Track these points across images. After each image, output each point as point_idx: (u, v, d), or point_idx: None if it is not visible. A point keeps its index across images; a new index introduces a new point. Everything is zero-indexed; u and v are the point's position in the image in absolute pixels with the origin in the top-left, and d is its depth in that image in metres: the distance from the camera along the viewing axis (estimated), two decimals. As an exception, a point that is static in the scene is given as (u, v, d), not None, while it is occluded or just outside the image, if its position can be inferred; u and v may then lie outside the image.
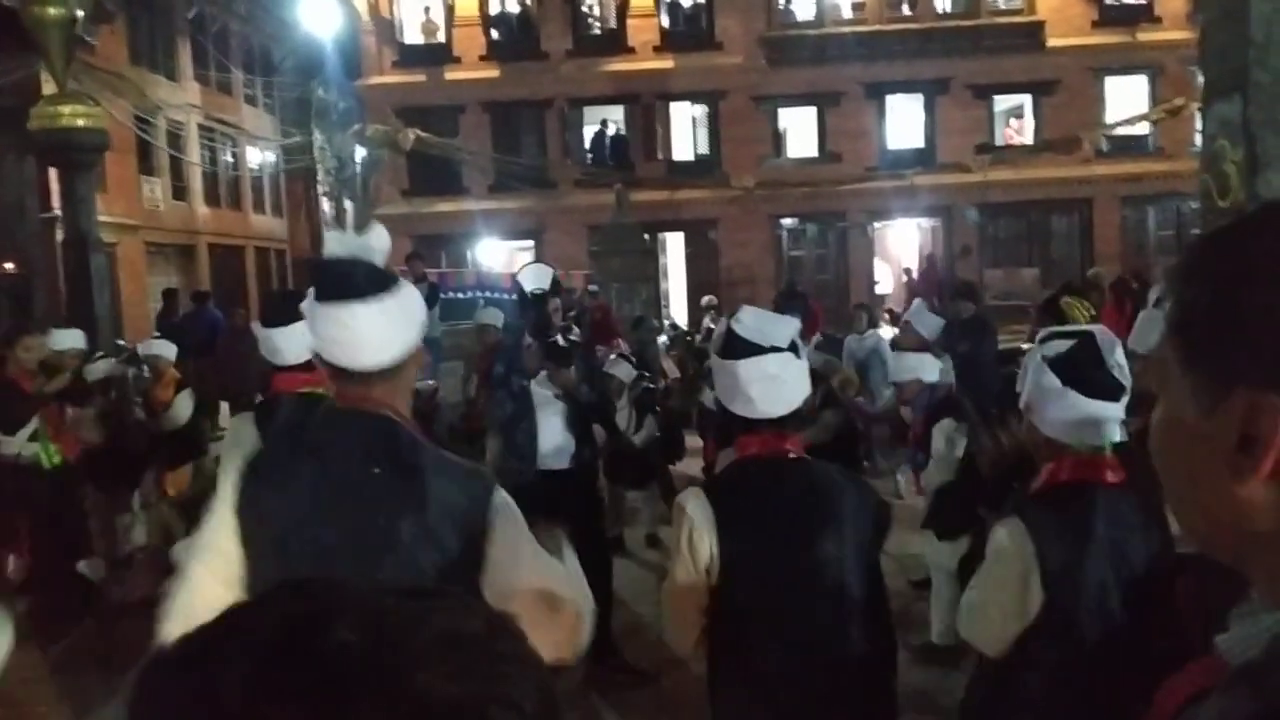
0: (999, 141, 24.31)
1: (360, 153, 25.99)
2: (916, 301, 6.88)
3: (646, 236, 19.73)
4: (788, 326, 2.53)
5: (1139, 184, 22.98)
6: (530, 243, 24.88)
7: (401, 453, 2.00)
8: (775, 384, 2.43)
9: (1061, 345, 2.44)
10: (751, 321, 2.49)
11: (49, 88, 9.44)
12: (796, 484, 2.49)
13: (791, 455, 2.51)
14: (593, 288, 16.38)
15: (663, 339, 15.75)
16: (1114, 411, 2.40)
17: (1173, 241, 22.70)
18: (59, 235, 13.08)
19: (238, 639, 0.54)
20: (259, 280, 30.89)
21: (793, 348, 2.47)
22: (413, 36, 25.25)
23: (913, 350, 6.01)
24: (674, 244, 25.09)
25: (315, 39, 25.58)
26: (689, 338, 16.28)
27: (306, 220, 34.89)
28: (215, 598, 1.88)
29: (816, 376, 5.77)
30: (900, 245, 25.48)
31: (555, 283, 6.68)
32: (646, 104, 24.43)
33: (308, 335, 3.30)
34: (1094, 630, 2.37)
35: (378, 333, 1.97)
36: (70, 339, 7.07)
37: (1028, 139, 24.14)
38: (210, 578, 1.99)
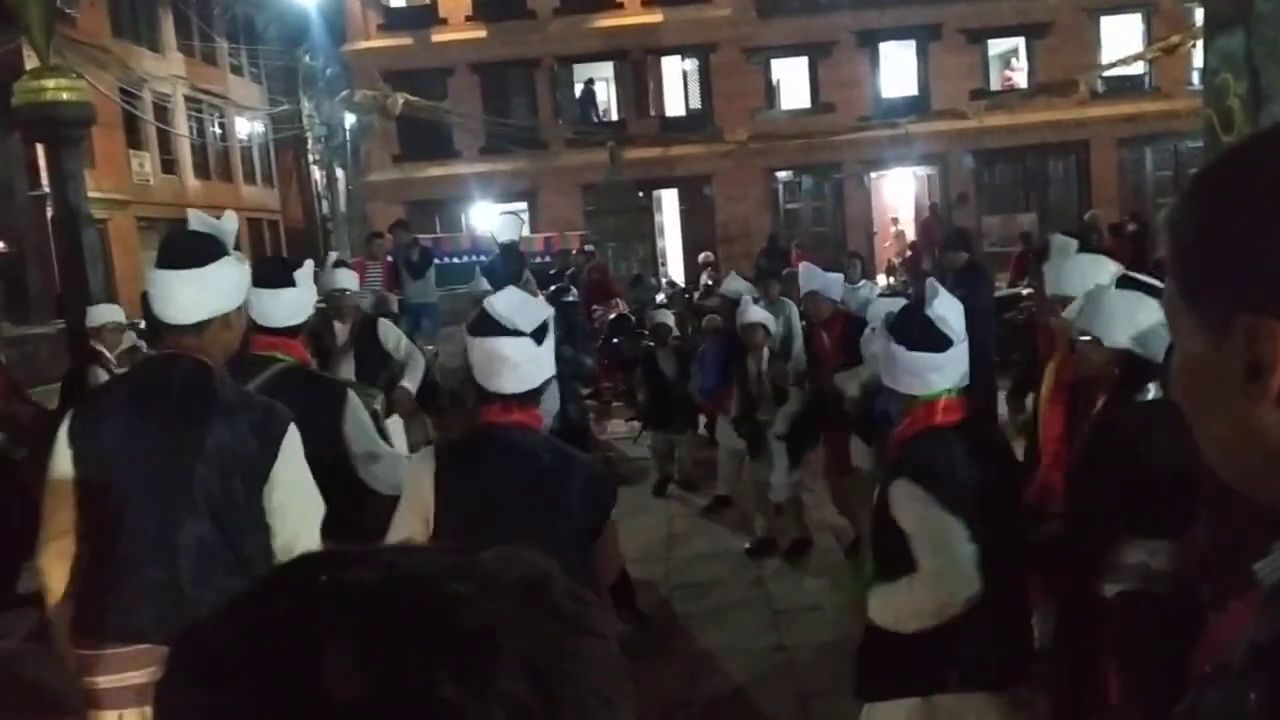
0: (993, 86, 24.09)
1: (349, 119, 25.76)
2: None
3: (641, 194, 19.60)
4: (539, 313, 2.68)
5: (1135, 125, 22.80)
6: (524, 205, 24.71)
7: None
8: (507, 365, 2.59)
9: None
10: (502, 305, 2.65)
11: (31, 63, 9.30)
12: (516, 454, 2.63)
13: (518, 427, 2.65)
14: (589, 247, 16.31)
15: (661, 297, 15.68)
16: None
17: (1170, 182, 22.55)
18: (49, 212, 12.98)
19: (328, 605, 0.53)
20: (253, 251, 30.72)
21: (538, 333, 2.61)
22: (397, -1, 24.94)
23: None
24: (669, 201, 24.94)
25: (299, 5, 25.28)
26: (687, 295, 16.21)
27: (298, 190, 34.70)
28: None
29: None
30: (897, 195, 25.34)
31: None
32: (636, 59, 24.17)
33: (297, 301, 3.44)
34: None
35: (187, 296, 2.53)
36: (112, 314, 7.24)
37: (1022, 82, 23.93)
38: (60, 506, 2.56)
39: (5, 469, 5.93)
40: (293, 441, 2.58)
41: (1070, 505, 2.99)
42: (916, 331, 2.64)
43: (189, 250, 2.57)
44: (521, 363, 2.59)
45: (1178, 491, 2.59)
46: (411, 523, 2.65)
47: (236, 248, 2.73)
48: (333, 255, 6.69)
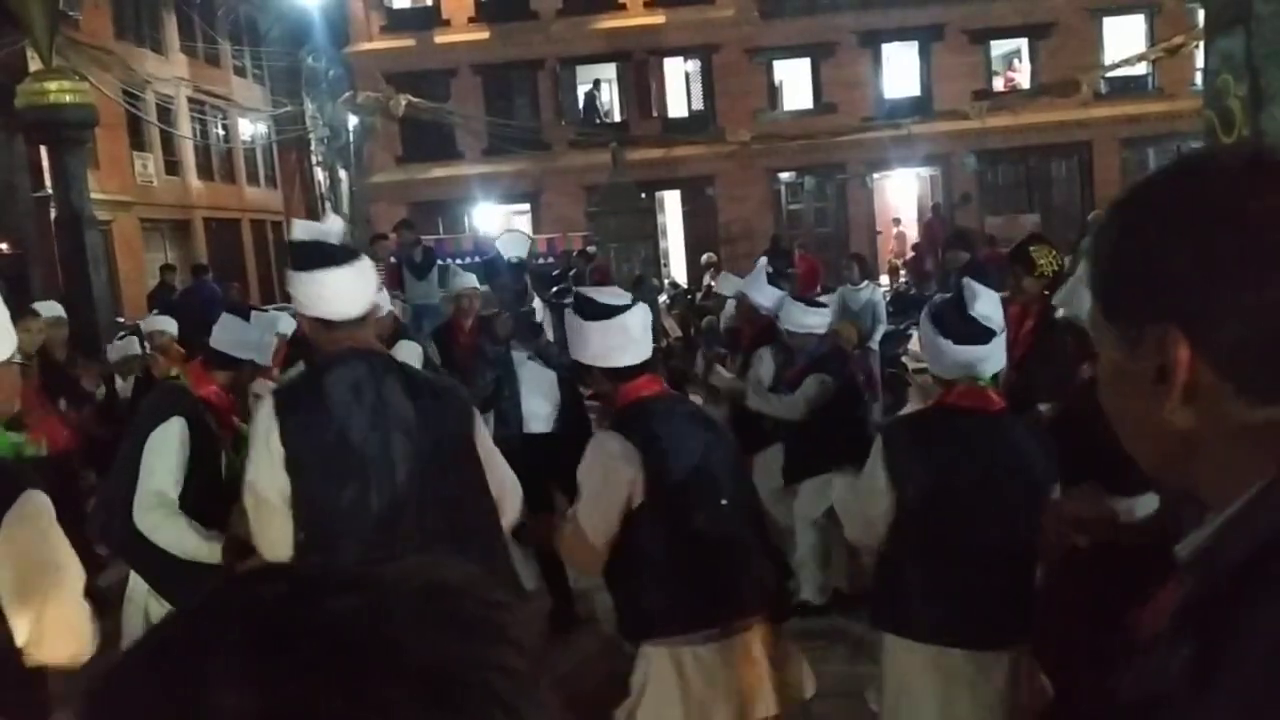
0: (996, 87, 24.07)
1: (352, 121, 25.79)
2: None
3: (644, 195, 19.59)
4: (623, 294, 2.99)
5: (1139, 125, 22.77)
6: (526, 206, 24.72)
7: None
8: (641, 334, 2.88)
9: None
10: (599, 293, 2.98)
11: (35, 65, 9.35)
12: (688, 414, 2.99)
13: (662, 392, 2.96)
14: (591, 248, 16.32)
15: (663, 298, 15.69)
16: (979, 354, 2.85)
17: (1173, 182, 22.48)
18: (53, 214, 13.01)
19: (221, 621, 0.53)
20: (256, 253, 30.80)
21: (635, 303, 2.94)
22: (400, 0, 24.95)
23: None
24: (671, 202, 24.94)
25: (301, 6, 25.31)
26: (690, 296, 16.22)
27: (302, 191, 34.74)
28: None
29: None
30: (899, 195, 25.32)
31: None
32: (639, 61, 24.17)
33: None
34: (946, 524, 2.82)
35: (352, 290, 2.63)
36: (50, 310, 6.87)
37: (1025, 83, 23.91)
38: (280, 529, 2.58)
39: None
40: (478, 416, 2.80)
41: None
42: (960, 327, 2.85)
43: (336, 248, 2.66)
44: (647, 330, 2.91)
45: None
46: (606, 513, 2.78)
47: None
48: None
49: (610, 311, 2.84)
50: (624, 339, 2.85)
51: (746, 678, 2.84)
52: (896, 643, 2.93)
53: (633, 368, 2.89)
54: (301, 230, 2.77)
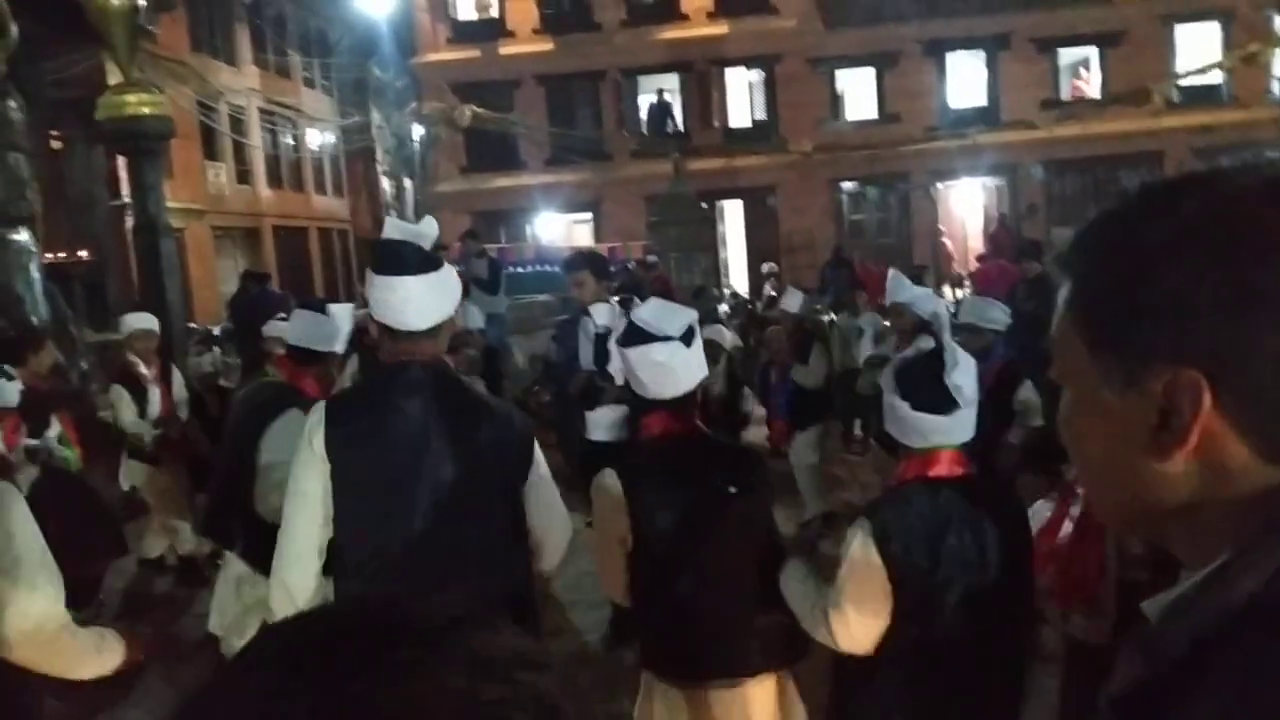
0: (1064, 96, 23.67)
1: (418, 131, 26.15)
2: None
3: (704, 205, 19.59)
4: (683, 318, 2.73)
5: (1212, 135, 22.19)
6: (588, 215, 24.86)
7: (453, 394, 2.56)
8: (662, 370, 2.66)
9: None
10: (648, 313, 2.75)
11: (114, 77, 9.62)
12: (692, 458, 2.75)
13: (684, 433, 2.75)
14: (651, 258, 16.35)
15: (724, 308, 15.68)
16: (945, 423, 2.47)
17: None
18: (129, 222, 13.38)
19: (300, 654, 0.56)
20: (323, 260, 31.37)
21: (686, 336, 2.68)
22: (466, 12, 25.27)
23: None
24: (732, 212, 24.92)
25: (370, 18, 25.75)
26: (750, 306, 16.18)
27: (368, 200, 35.31)
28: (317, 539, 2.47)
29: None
30: (964, 206, 25.01)
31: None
32: (701, 71, 24.21)
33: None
34: (935, 614, 2.39)
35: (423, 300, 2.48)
36: (140, 321, 6.92)
37: (1094, 92, 23.49)
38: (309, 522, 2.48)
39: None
40: (534, 444, 2.74)
41: None
42: (926, 393, 2.46)
43: (412, 256, 2.50)
44: (673, 368, 2.66)
45: None
46: (613, 549, 2.72)
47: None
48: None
49: (632, 340, 2.70)
50: (630, 370, 2.73)
51: None
52: None
53: (647, 400, 2.73)
54: (392, 230, 2.59)
